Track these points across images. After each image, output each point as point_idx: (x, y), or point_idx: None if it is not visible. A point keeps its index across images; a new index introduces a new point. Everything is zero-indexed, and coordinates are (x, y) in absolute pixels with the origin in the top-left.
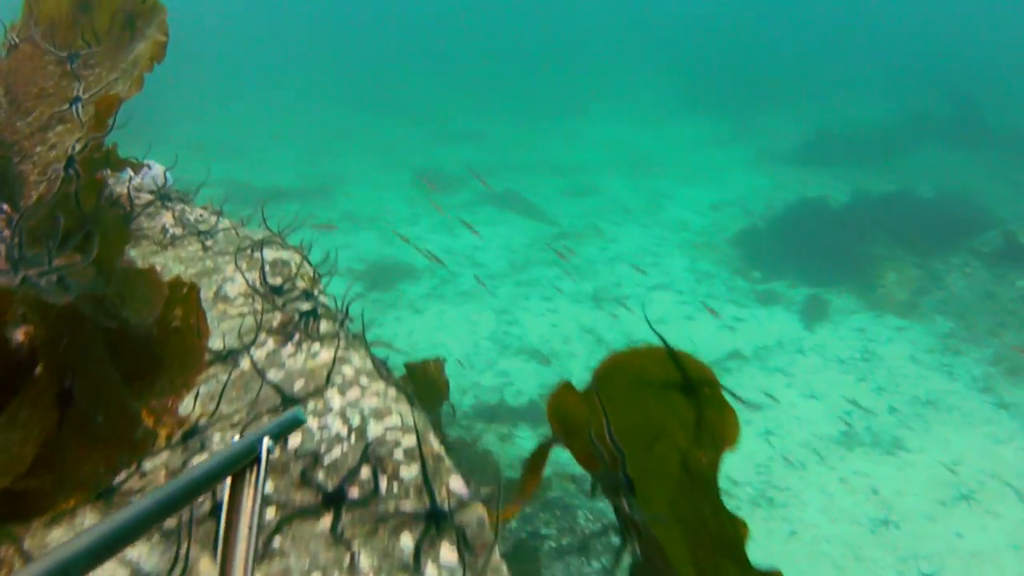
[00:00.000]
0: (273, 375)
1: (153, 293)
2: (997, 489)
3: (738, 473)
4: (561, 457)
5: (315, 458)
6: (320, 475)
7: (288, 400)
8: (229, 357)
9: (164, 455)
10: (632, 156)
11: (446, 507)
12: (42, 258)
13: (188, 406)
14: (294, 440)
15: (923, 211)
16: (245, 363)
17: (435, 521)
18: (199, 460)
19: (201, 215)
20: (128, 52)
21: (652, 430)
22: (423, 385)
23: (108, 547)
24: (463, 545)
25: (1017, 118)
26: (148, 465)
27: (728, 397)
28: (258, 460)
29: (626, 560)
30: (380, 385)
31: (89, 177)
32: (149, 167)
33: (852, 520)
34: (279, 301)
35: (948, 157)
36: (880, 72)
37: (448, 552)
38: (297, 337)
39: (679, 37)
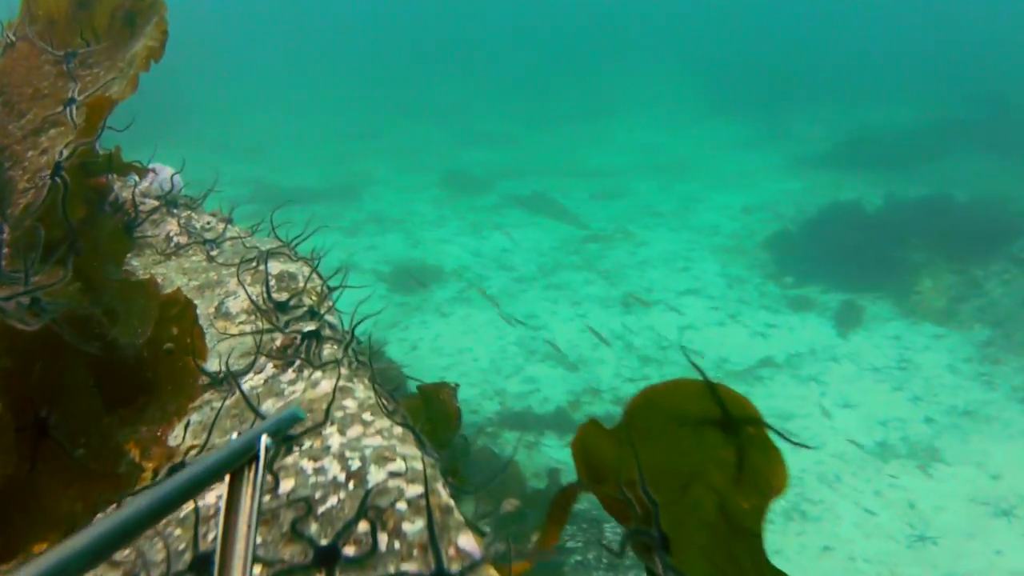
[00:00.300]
0: (270, 405)
1: (152, 308)
2: None
3: None
4: None
5: (308, 507)
6: (313, 527)
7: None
8: (225, 382)
9: None
10: (662, 159)
11: (454, 570)
12: (20, 276)
13: (178, 435)
14: (287, 483)
15: (959, 216)
16: (244, 387)
17: None
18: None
19: (208, 222)
20: (127, 51)
21: (687, 472)
22: (434, 414)
23: (105, 547)
24: None
25: None
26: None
27: (775, 437)
28: (256, 458)
29: None
30: (384, 422)
31: (77, 184)
32: (156, 172)
33: (888, 535)
34: (281, 320)
35: (982, 161)
36: (912, 75)
37: None
38: (298, 362)
39: (708, 40)
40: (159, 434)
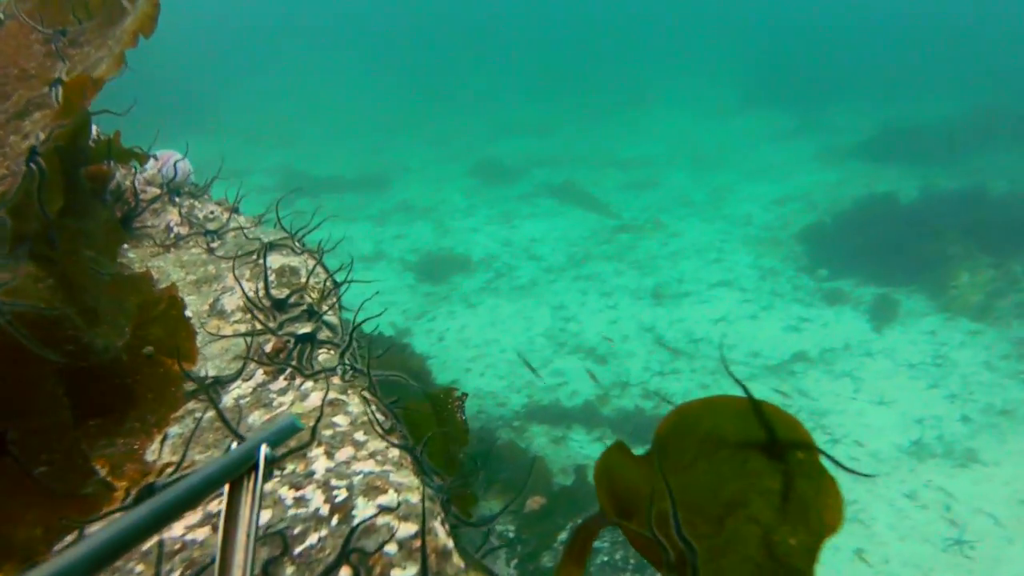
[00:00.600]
0: (256, 418)
1: (134, 307)
2: None
3: None
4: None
5: (284, 544)
6: (288, 571)
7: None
8: (211, 390)
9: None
10: (694, 149)
11: None
12: None
13: (155, 450)
14: (265, 515)
15: (997, 209)
16: (229, 397)
17: None
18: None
19: (212, 212)
20: (119, 27)
21: (726, 501)
22: (446, 425)
23: (104, 557)
24: None
25: None
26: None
27: (829, 464)
28: (256, 467)
29: None
30: (380, 443)
31: (55, 172)
32: (164, 158)
33: (923, 538)
34: (276, 321)
35: (1021, 153)
36: (949, 65)
37: None
38: (290, 369)
39: (742, 29)
40: (136, 448)
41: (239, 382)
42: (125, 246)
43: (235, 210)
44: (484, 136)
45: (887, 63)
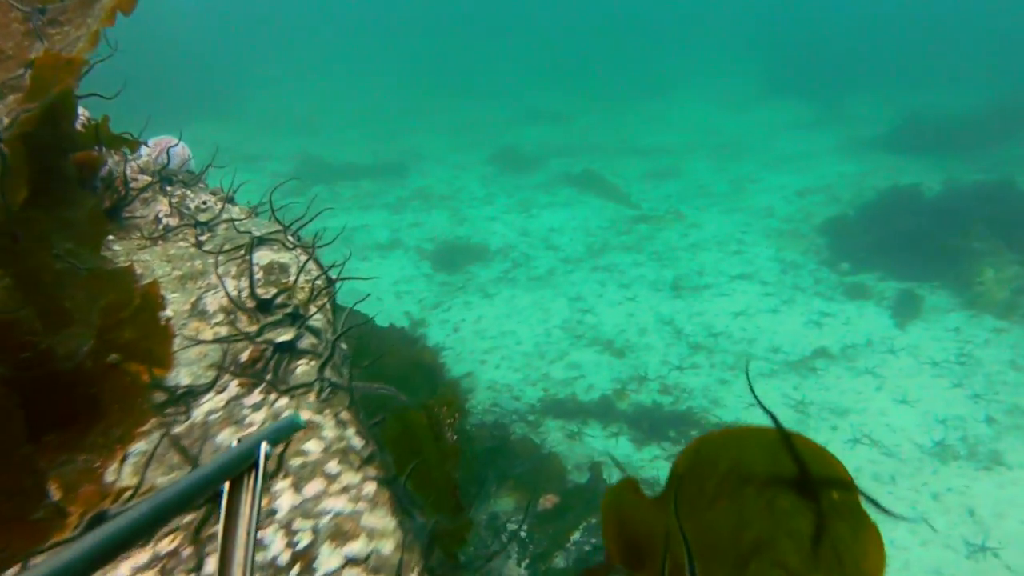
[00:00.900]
0: (227, 436)
1: (101, 307)
2: None
3: None
4: (634, 459)
5: None
6: None
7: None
8: (180, 402)
9: None
10: (716, 139)
11: None
12: None
13: (116, 469)
14: (213, 560)
15: (1023, 203)
16: (200, 411)
17: None
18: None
19: (205, 202)
20: (99, 4)
21: (750, 543)
22: (429, 448)
23: (104, 554)
24: None
25: None
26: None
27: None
28: (256, 465)
29: None
30: (354, 475)
31: (19, 160)
32: (146, 144)
33: (946, 543)
34: (259, 325)
35: None
36: (975, 56)
37: None
38: (265, 382)
39: (768, 19)
40: (98, 466)
41: (211, 394)
42: (111, 237)
43: (229, 200)
44: (504, 124)
45: (911, 53)
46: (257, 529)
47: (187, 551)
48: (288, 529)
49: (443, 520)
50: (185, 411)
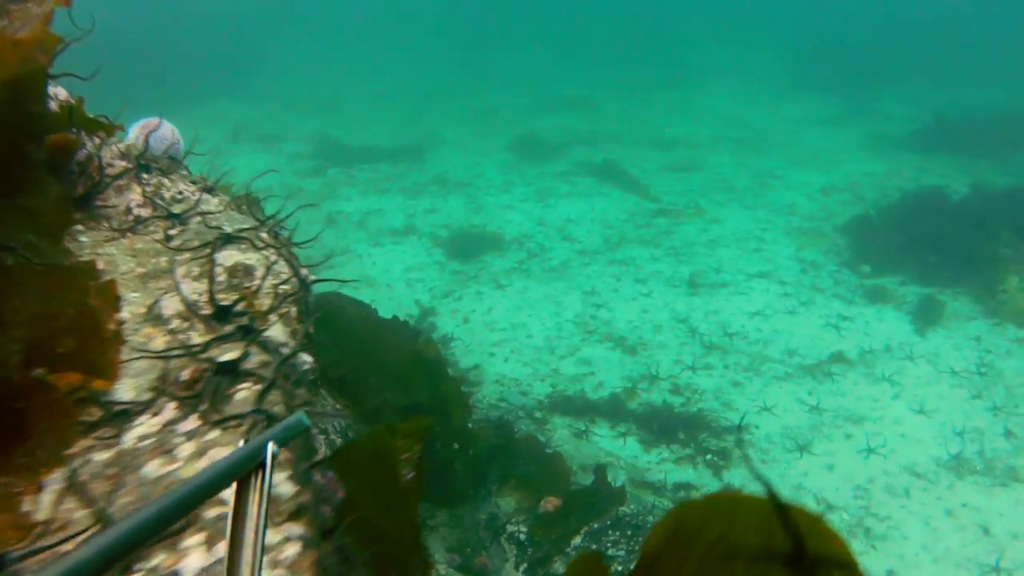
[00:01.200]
0: (154, 469)
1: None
2: None
3: (834, 495)
4: (641, 461)
5: None
6: None
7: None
8: (114, 423)
9: None
10: (740, 132)
11: None
12: None
13: (36, 499)
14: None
15: None
16: (132, 435)
17: None
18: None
19: (181, 192)
20: None
21: None
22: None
23: (112, 556)
24: None
25: None
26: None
27: None
28: (263, 465)
29: None
30: (273, 534)
31: None
32: (122, 127)
33: (958, 562)
34: (199, 343)
35: None
36: (1008, 56)
37: None
38: (203, 407)
39: (794, 12)
40: (19, 491)
41: (147, 416)
42: (80, 227)
43: (208, 190)
44: (526, 110)
45: (942, 50)
46: (266, 530)
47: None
48: None
49: None
50: (116, 434)
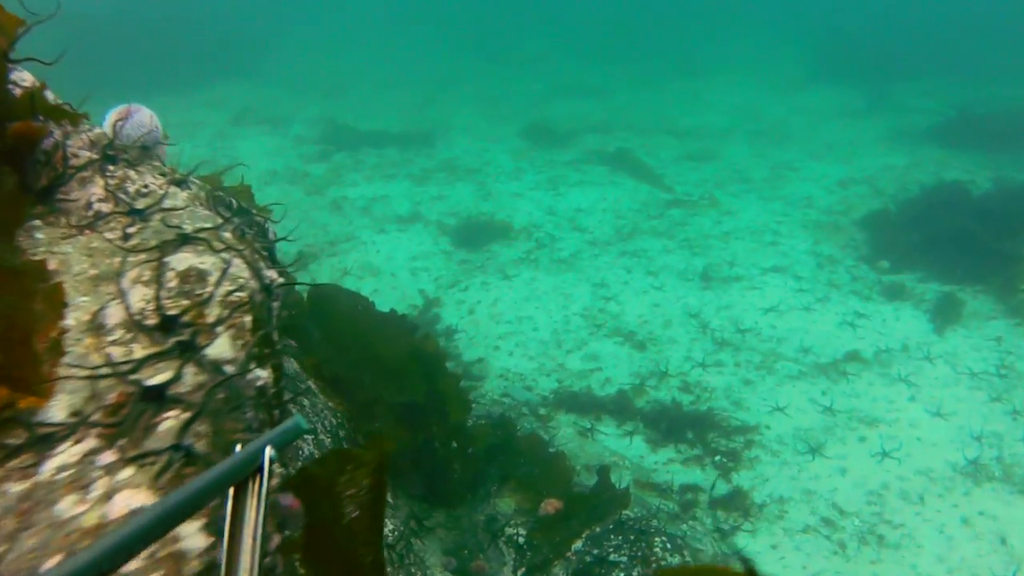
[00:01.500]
0: (68, 506)
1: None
2: None
3: (846, 500)
4: (648, 461)
5: None
6: None
7: None
8: (36, 448)
9: None
10: (758, 123)
11: None
12: None
13: None
14: None
15: None
16: (52, 464)
17: None
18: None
19: (147, 185)
20: None
21: None
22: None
23: (108, 561)
24: None
25: None
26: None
27: None
28: (261, 470)
29: None
30: None
31: None
32: (90, 116)
33: (974, 573)
34: (131, 360)
35: None
36: None
37: None
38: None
39: (813, 3)
40: None
41: (69, 443)
42: (37, 223)
43: (178, 183)
44: (539, 96)
45: (966, 41)
46: (263, 535)
47: None
48: None
49: None
50: (36, 462)
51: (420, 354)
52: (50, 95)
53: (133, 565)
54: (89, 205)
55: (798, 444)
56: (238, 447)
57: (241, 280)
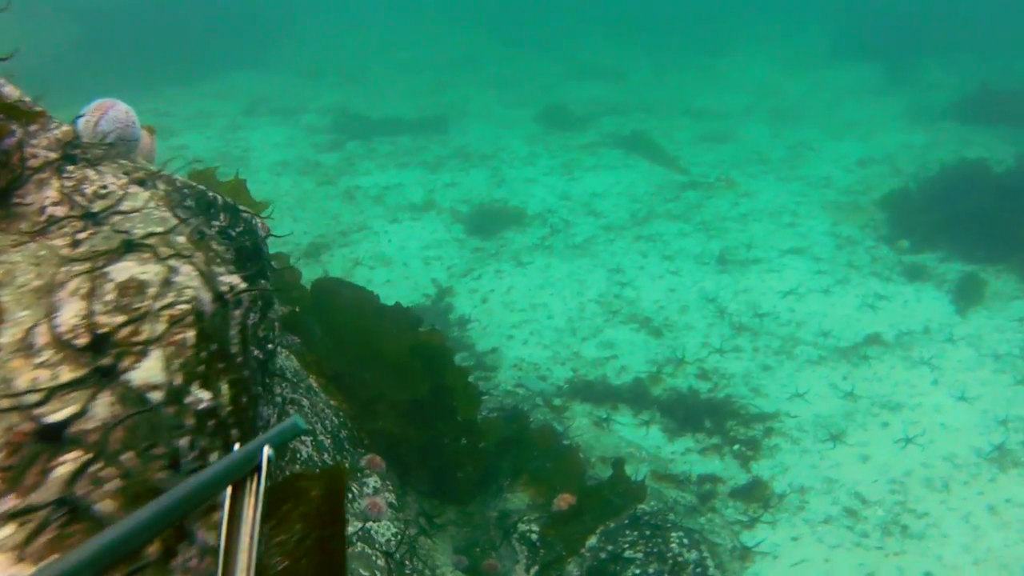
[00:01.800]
0: None
1: None
2: None
3: (869, 489)
4: (664, 451)
5: None
6: None
7: None
8: None
9: None
10: (775, 102)
11: None
12: None
13: None
14: None
15: None
16: None
17: None
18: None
19: (106, 186)
20: None
21: None
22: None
23: (105, 559)
24: None
25: None
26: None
27: None
28: (258, 469)
29: None
30: None
31: None
32: (82, 111)
33: (1002, 564)
34: (37, 389)
35: None
36: None
37: None
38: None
39: None
40: None
41: None
42: None
43: (140, 182)
44: (554, 79)
45: (988, 16)
46: (261, 533)
47: None
48: None
49: None
50: None
51: (424, 349)
52: (12, 91)
53: None
54: (42, 209)
55: (819, 431)
56: (236, 446)
57: (189, 290)
